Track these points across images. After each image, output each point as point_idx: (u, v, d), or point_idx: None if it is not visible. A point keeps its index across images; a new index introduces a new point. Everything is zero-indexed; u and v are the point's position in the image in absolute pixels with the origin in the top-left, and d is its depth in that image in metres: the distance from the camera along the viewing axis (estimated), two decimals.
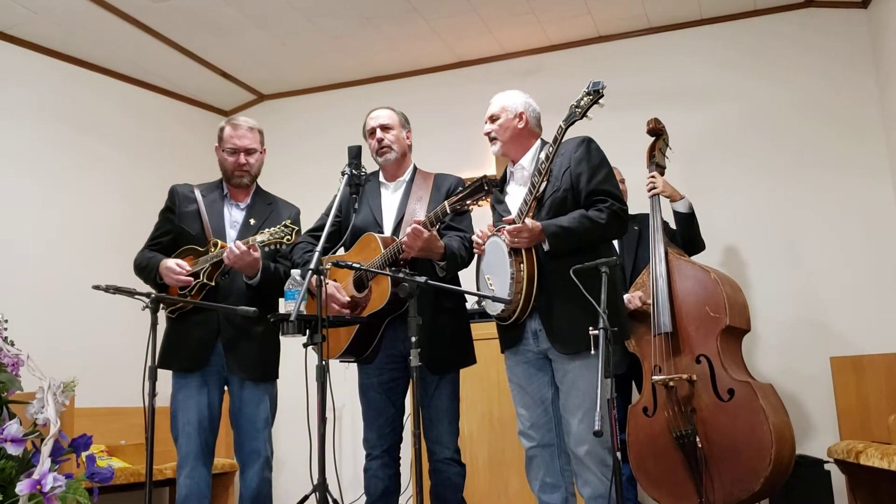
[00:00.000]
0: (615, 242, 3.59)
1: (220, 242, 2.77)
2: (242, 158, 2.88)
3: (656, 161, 3.60)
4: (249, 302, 2.62)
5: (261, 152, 2.95)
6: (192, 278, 2.73)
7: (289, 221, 2.62)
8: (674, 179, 3.58)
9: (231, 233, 2.88)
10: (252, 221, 2.89)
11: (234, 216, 2.92)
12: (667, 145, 3.65)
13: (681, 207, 3.51)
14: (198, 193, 2.94)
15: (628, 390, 3.57)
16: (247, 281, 2.78)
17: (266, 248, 2.65)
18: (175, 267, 2.74)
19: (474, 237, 2.67)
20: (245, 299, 2.71)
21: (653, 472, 3.09)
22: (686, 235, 3.51)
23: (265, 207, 2.95)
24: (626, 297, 3.28)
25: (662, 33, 4.55)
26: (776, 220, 4.17)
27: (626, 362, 3.32)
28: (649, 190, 3.48)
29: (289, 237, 2.57)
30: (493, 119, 2.71)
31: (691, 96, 4.39)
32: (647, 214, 3.48)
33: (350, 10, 4.20)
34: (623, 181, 3.73)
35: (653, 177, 3.51)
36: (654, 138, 3.63)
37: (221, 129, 2.93)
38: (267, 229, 2.62)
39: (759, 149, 4.26)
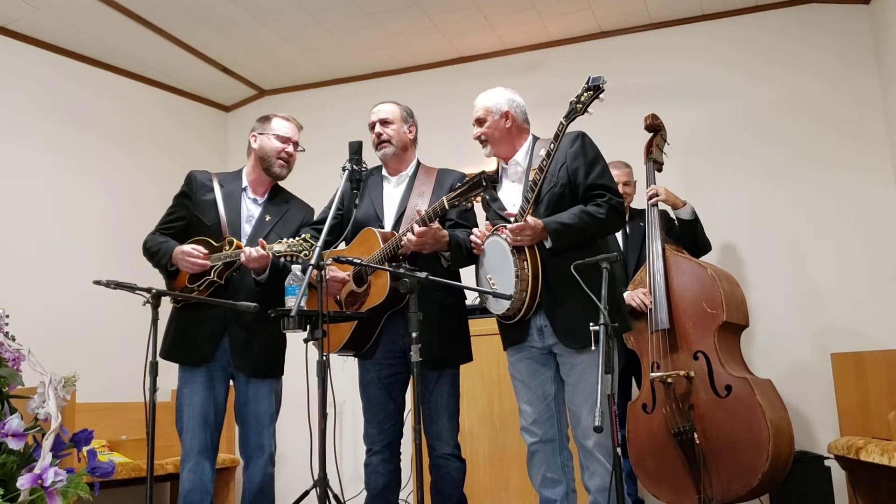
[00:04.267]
0: (619, 238, 3.59)
1: (235, 241, 2.76)
2: (291, 148, 2.92)
3: (654, 157, 3.58)
4: (259, 298, 2.61)
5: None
6: (208, 262, 2.72)
7: (308, 236, 2.59)
8: (674, 176, 3.58)
9: (246, 227, 2.86)
10: (268, 218, 2.89)
11: (250, 210, 2.91)
12: (665, 141, 3.64)
13: (684, 214, 3.49)
14: (216, 183, 2.93)
15: (628, 387, 3.58)
16: (255, 277, 2.77)
17: (281, 259, 2.65)
18: (192, 250, 2.73)
19: (472, 237, 2.65)
20: (255, 296, 2.70)
21: (652, 468, 3.09)
22: (691, 240, 3.49)
23: (281, 205, 2.94)
24: (626, 294, 3.27)
25: (664, 29, 4.54)
26: (777, 217, 4.16)
27: (623, 359, 3.33)
28: (650, 198, 3.46)
29: (306, 252, 2.55)
30: (479, 122, 2.71)
31: (692, 92, 4.38)
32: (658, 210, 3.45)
33: (351, 6, 4.20)
34: (629, 183, 3.69)
35: (654, 187, 3.48)
36: (651, 134, 3.62)
37: (268, 118, 2.95)
38: (285, 239, 2.59)
39: (760, 145, 4.25)
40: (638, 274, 3.39)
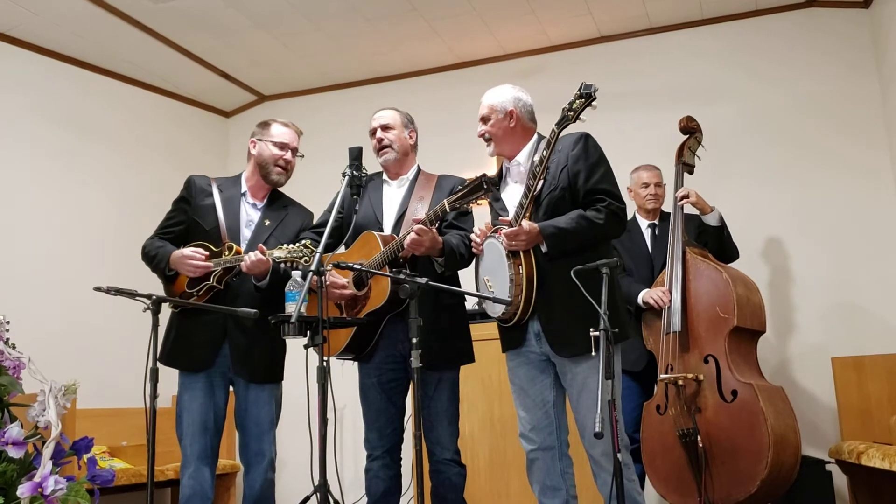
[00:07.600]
0: (647, 239, 3.58)
1: (234, 247, 2.75)
2: (289, 155, 2.91)
3: (684, 160, 3.56)
4: (258, 303, 2.60)
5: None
6: (210, 263, 2.71)
7: (308, 242, 2.59)
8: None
9: (245, 232, 2.86)
10: (267, 223, 2.88)
11: (249, 215, 2.90)
12: (699, 144, 3.60)
13: (711, 221, 3.47)
14: (215, 187, 2.92)
15: (652, 388, 3.54)
16: (255, 283, 2.76)
17: (282, 265, 2.63)
18: (193, 253, 2.72)
19: (472, 236, 2.64)
20: (254, 301, 2.69)
21: (662, 469, 3.11)
22: (717, 248, 3.47)
23: (280, 210, 2.93)
24: (650, 294, 3.26)
25: (663, 33, 4.54)
26: (776, 221, 4.17)
27: (644, 359, 3.33)
28: (680, 199, 3.44)
29: (306, 258, 2.54)
30: (483, 120, 2.68)
31: (692, 96, 4.37)
32: (682, 214, 3.44)
33: (350, 11, 4.20)
34: (660, 184, 3.65)
35: (686, 189, 3.47)
36: (686, 136, 3.59)
37: (267, 124, 2.93)
38: (286, 245, 2.59)
39: (760, 149, 4.25)
40: (660, 276, 3.38)
